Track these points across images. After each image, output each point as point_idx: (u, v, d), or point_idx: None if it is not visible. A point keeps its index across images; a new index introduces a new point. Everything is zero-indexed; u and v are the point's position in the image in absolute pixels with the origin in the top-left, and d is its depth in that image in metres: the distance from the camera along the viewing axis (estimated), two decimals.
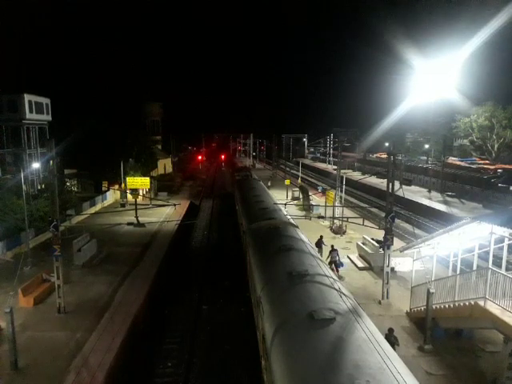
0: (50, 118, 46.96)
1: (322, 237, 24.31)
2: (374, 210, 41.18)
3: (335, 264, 21.85)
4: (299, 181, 57.86)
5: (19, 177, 26.69)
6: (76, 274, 22.30)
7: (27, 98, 42.17)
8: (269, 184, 53.38)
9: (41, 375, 13.05)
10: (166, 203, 32.15)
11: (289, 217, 23.49)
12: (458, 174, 52.48)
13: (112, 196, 46.02)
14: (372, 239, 24.01)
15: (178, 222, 33.41)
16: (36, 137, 44.67)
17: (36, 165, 40.82)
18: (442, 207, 41.75)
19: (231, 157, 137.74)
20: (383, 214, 22.72)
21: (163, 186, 54.11)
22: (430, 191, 51.59)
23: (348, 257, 25.31)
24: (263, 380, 11.20)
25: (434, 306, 14.76)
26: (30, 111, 42.73)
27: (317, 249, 23.18)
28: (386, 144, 76.52)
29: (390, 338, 12.79)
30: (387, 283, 18.60)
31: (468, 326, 14.62)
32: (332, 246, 22.72)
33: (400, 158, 59.41)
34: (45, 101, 46.05)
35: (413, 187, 55.16)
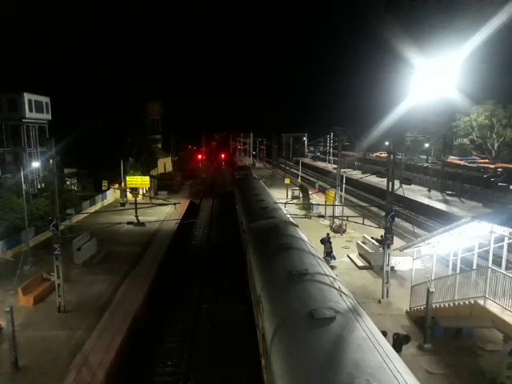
0: (49, 116, 46.95)
1: (328, 234, 24.41)
2: (373, 209, 41.16)
3: (328, 255, 22.20)
4: (299, 180, 57.83)
5: (19, 176, 26.68)
6: (76, 273, 22.31)
7: (27, 96, 42.15)
8: (263, 180, 53.46)
9: (41, 374, 13.06)
10: (166, 202, 32.15)
11: (289, 216, 23.50)
12: (457, 173, 52.46)
13: (112, 195, 46.00)
14: (372, 238, 24.00)
15: (178, 221, 33.42)
16: (36, 136, 44.67)
17: (36, 164, 40.81)
18: (441, 206, 41.74)
19: (231, 156, 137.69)
20: (383, 213, 22.72)
21: (163, 185, 54.10)
22: (429, 190, 51.56)
23: (348, 256, 25.33)
24: (263, 379, 11.21)
25: (433, 305, 14.77)
26: (30, 110, 42.72)
27: (321, 245, 23.37)
28: (386, 143, 76.48)
29: (399, 339, 12.76)
30: (387, 282, 18.61)
31: (468, 325, 14.62)
32: (329, 235, 23.97)
33: (400, 156, 59.39)
34: (44, 100, 46.04)
35: (413, 186, 55.14)
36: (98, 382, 12.63)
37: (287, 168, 76.99)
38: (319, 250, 19.75)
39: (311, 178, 74.72)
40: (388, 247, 18.49)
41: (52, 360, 13.81)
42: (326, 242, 23.55)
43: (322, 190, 44.03)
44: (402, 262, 22.03)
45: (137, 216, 33.07)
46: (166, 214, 38.26)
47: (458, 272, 15.20)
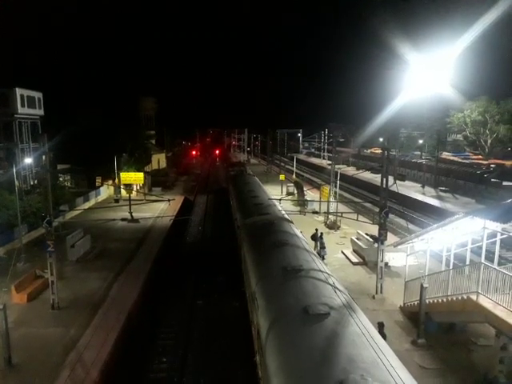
0: (42, 112, 46.47)
1: (317, 230, 24.39)
2: (367, 204, 41.31)
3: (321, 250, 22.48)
4: (294, 176, 57.86)
5: (11, 172, 26.43)
6: (70, 270, 22.20)
7: (19, 92, 41.65)
8: (250, 172, 53.52)
9: (35, 372, 12.99)
10: (160, 199, 32.05)
11: (283, 212, 23.51)
12: (451, 169, 52.76)
13: (106, 191, 45.77)
14: (366, 234, 24.11)
15: (173, 217, 33.32)
16: (28, 131, 44.21)
17: (28, 160, 40.43)
18: (435, 202, 41.99)
19: (226, 152, 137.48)
20: (377, 209, 22.79)
21: (157, 182, 53.91)
22: (423, 186, 51.84)
23: (342, 252, 25.42)
24: (258, 375, 11.23)
25: (427, 301, 14.87)
26: (22, 105, 42.24)
27: (313, 242, 23.38)
28: (381, 139, 76.65)
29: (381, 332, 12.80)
30: (381, 278, 18.70)
31: (461, 320, 14.75)
32: (317, 231, 24.16)
33: (394, 153, 59.56)
34: (37, 95, 45.53)
35: (407, 182, 55.28)
36: (92, 379, 12.59)
37: (282, 164, 76.96)
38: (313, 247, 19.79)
39: (305, 174, 74.80)
40: (382, 243, 18.57)
41: (46, 357, 13.74)
42: (318, 238, 23.60)
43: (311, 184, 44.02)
44: (396, 257, 22.13)
45: (131, 212, 32.95)
46: (161, 210, 38.13)
47: (451, 268, 15.30)
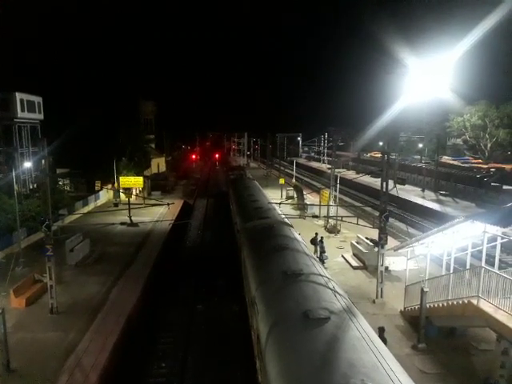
0: (41, 116, 46.51)
1: (317, 234, 24.34)
2: (367, 208, 41.28)
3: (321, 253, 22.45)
4: (293, 180, 57.84)
5: (11, 176, 26.42)
6: (69, 274, 22.13)
7: (19, 96, 41.70)
8: (250, 176, 53.69)
9: (33, 377, 12.92)
10: (159, 203, 31.96)
11: (283, 216, 23.49)
12: (451, 173, 52.78)
13: (105, 195, 45.73)
14: (366, 238, 24.06)
15: (172, 221, 33.26)
16: (28, 136, 44.25)
17: (28, 164, 40.43)
18: (435, 206, 41.96)
19: (226, 156, 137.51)
20: (377, 213, 22.78)
21: (157, 186, 53.88)
22: (423, 190, 51.84)
23: (342, 256, 25.36)
24: (258, 380, 11.16)
25: (427, 305, 14.82)
26: (22, 110, 42.27)
27: (313, 247, 23.34)
28: (380, 143, 76.82)
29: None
30: (381, 282, 18.64)
31: (461, 325, 14.70)
32: (317, 235, 24.10)
33: (394, 157, 59.56)
34: (37, 99, 45.59)
35: (407, 186, 55.25)
36: (91, 383, 12.53)
37: (281, 168, 76.99)
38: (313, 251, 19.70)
39: (305, 178, 74.77)
40: (382, 247, 18.53)
41: (44, 362, 13.67)
42: (318, 243, 23.55)
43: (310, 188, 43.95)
44: (397, 261, 22.09)
45: (130, 216, 32.91)
46: (160, 214, 38.08)
47: (451, 272, 15.26)
